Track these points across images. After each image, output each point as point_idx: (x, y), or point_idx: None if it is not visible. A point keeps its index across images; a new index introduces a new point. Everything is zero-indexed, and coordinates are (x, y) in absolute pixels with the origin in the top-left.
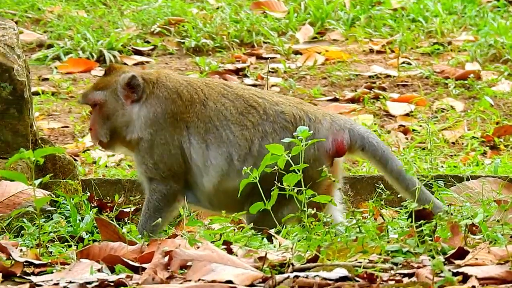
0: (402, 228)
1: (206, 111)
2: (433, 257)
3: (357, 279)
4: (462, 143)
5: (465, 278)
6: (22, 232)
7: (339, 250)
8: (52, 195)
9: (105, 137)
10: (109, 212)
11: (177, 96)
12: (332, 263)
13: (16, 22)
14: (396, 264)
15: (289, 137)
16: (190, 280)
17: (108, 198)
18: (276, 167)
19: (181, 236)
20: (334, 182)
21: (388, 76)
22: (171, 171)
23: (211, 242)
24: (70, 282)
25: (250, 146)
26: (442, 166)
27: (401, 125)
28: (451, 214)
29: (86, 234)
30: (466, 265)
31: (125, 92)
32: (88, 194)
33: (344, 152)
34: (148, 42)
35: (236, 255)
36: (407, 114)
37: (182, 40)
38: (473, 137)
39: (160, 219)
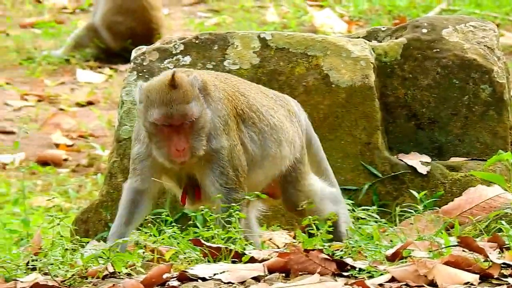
0: None
1: (248, 101)
2: None
3: None
4: None
5: None
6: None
7: None
8: None
9: (202, 150)
10: None
11: (226, 93)
12: None
13: (497, 25)
14: None
15: (294, 122)
16: None
17: None
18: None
19: None
20: None
21: None
22: (244, 174)
23: None
24: None
25: (288, 129)
26: None
27: None
28: None
29: None
30: None
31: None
32: None
33: None
34: None
35: None
36: None
37: None
38: None
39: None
